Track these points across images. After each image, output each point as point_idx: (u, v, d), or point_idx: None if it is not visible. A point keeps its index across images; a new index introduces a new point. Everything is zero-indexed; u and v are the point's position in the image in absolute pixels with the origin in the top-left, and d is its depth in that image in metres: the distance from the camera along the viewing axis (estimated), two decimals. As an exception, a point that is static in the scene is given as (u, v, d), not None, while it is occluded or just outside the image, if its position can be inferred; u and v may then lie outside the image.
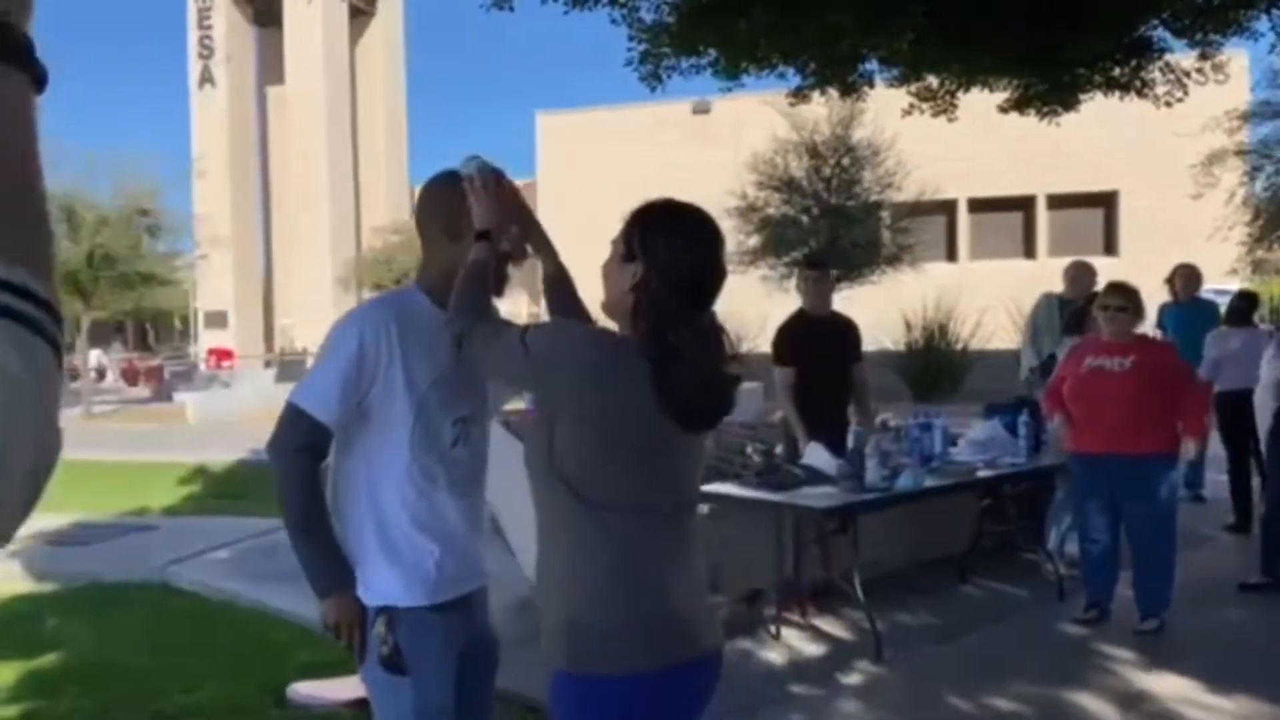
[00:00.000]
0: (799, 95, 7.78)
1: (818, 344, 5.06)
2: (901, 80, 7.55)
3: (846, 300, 16.08)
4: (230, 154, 35.25)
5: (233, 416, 18.14)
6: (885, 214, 16.38)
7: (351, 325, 1.99)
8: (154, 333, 48.84)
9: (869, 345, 18.94)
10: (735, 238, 15.76)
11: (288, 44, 35.21)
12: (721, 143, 24.44)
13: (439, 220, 2.06)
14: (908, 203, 16.64)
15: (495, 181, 1.98)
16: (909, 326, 18.55)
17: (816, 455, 4.67)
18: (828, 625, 4.80)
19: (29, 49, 0.64)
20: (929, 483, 4.59)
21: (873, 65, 7.28)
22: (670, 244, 1.75)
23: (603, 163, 28.07)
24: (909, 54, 6.52)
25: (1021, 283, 16.37)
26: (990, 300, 16.21)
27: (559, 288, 2.10)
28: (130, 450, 13.18)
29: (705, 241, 1.79)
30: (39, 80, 0.65)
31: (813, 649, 4.54)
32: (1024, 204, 27.39)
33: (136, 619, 5.25)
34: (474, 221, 1.96)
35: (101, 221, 19.93)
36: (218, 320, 34.55)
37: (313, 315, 31.00)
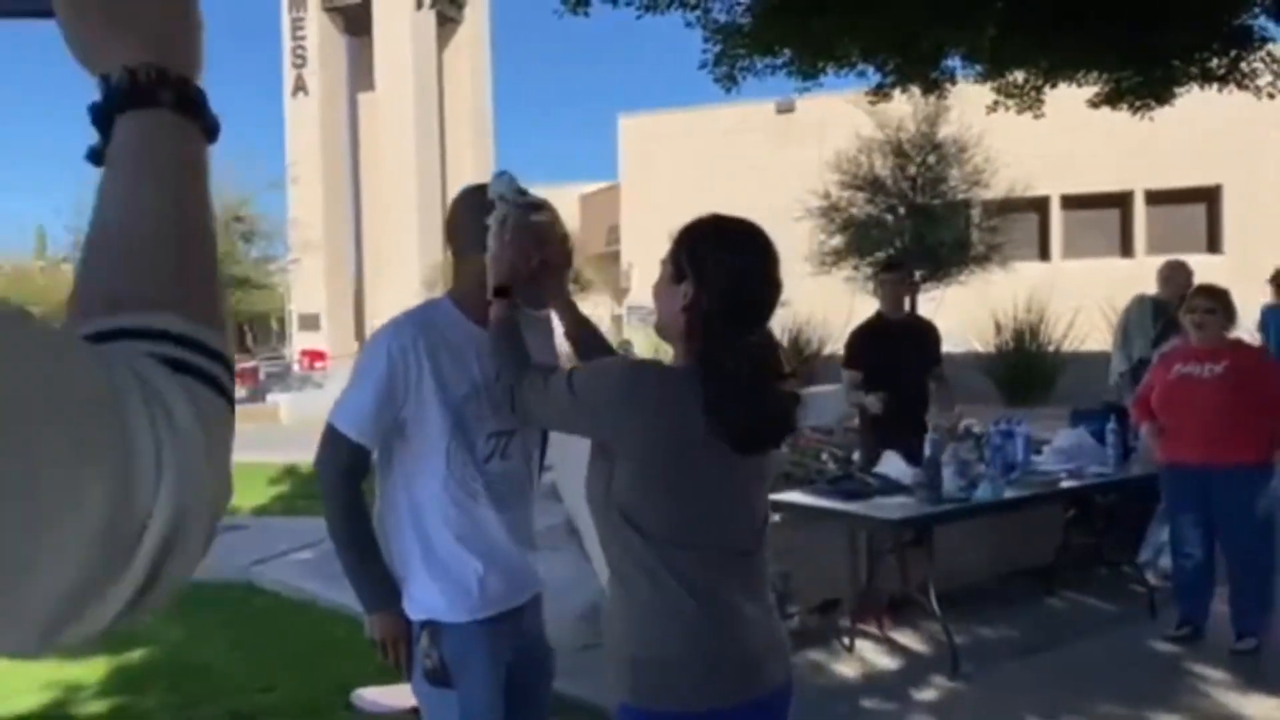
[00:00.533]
0: (880, 94, 7.63)
1: (894, 347, 4.95)
2: (985, 77, 7.35)
3: (933, 301, 15.80)
4: (323, 160, 36.19)
5: (323, 417, 18.52)
6: (974, 212, 16.00)
7: (379, 344, 2.00)
8: (252, 335, 50.43)
9: (956, 347, 18.56)
10: (817, 238, 15.58)
11: (377, 52, 36.02)
12: (806, 142, 24.17)
13: (470, 231, 2.04)
14: (997, 200, 16.23)
15: (517, 227, 1.93)
16: (999, 328, 18.09)
17: (892, 464, 4.56)
18: (904, 638, 4.69)
19: (204, 102, 0.67)
20: (1009, 494, 4.44)
21: (955, 62, 7.10)
22: (719, 261, 1.71)
23: (685, 164, 28.00)
24: (990, 49, 6.33)
25: (1118, 282, 15.83)
26: (1084, 300, 15.71)
27: (584, 341, 2.07)
28: (225, 450, 13.56)
29: (756, 257, 1.74)
30: (211, 131, 0.67)
31: (887, 662, 4.43)
32: (1121, 200, 26.48)
33: (220, 618, 5.40)
34: (490, 274, 1.92)
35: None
36: (310, 322, 35.51)
37: (401, 317, 31.56)
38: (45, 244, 30.52)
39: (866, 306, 7.30)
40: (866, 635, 4.70)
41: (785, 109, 27.73)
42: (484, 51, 39.29)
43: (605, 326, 26.82)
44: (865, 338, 5.13)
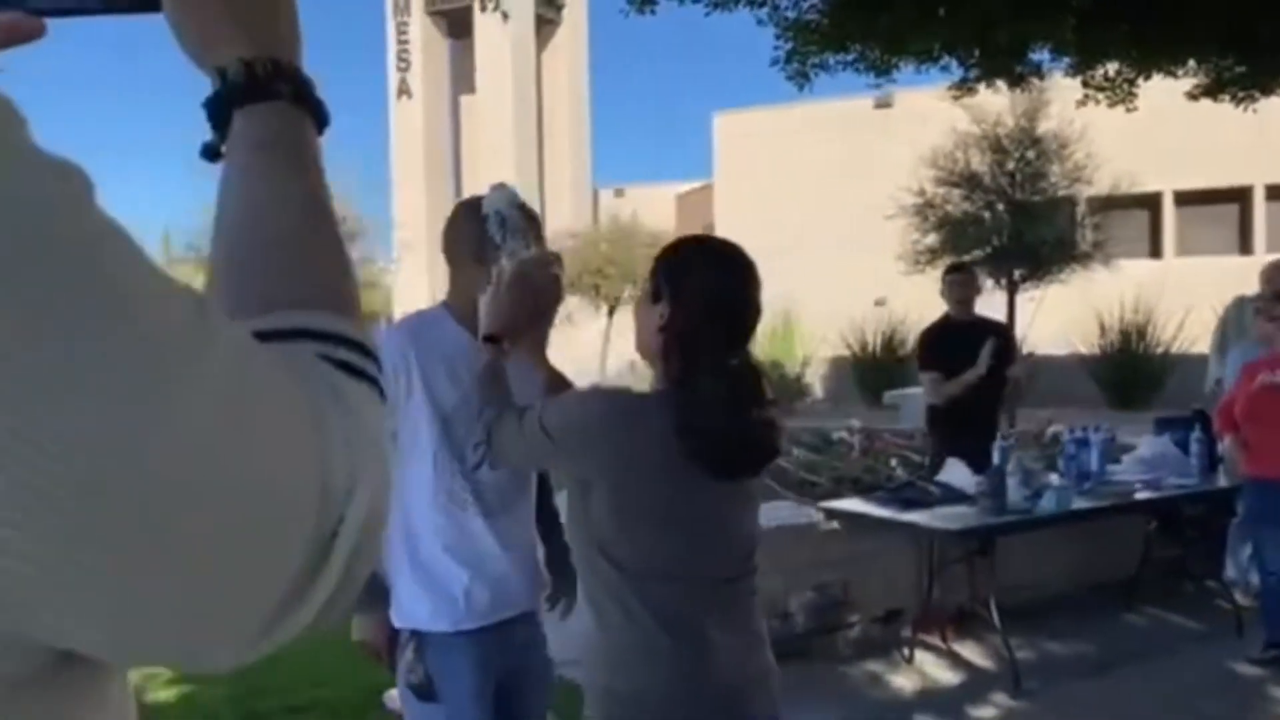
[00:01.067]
0: (963, 89, 7.39)
1: (961, 350, 4.80)
2: (1074, 69, 7.05)
3: (1033, 301, 15.29)
4: (425, 163, 37.00)
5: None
6: (1081, 207, 15.40)
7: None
8: (360, 332, 51.89)
9: (1058, 348, 17.93)
10: (910, 236, 15.20)
11: (478, 55, 36.61)
12: (904, 138, 23.70)
13: (468, 245, 2.04)
14: (1101, 196, 15.59)
15: (521, 278, 1.86)
16: (1103, 328, 17.40)
17: (955, 472, 4.42)
18: (968, 652, 4.54)
19: (316, 93, 0.65)
20: (1080, 504, 4.26)
21: (1041, 55, 6.83)
22: (696, 282, 1.67)
23: (781, 162, 27.73)
24: (1076, 41, 6.07)
25: (1236, 281, 15.03)
26: (1197, 300, 14.99)
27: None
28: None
29: (735, 277, 1.69)
30: (323, 123, 0.65)
31: (947, 676, 4.30)
32: (1239, 195, 25.21)
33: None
34: (483, 319, 1.87)
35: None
36: (413, 321, 36.29)
37: (498, 316, 32.09)
38: (170, 244, 31.84)
39: None
40: (928, 647, 4.57)
41: (883, 104, 27.20)
42: (581, 52, 39.60)
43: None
44: (933, 341, 4.99)
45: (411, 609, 2.01)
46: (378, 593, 2.02)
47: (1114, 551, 5.29)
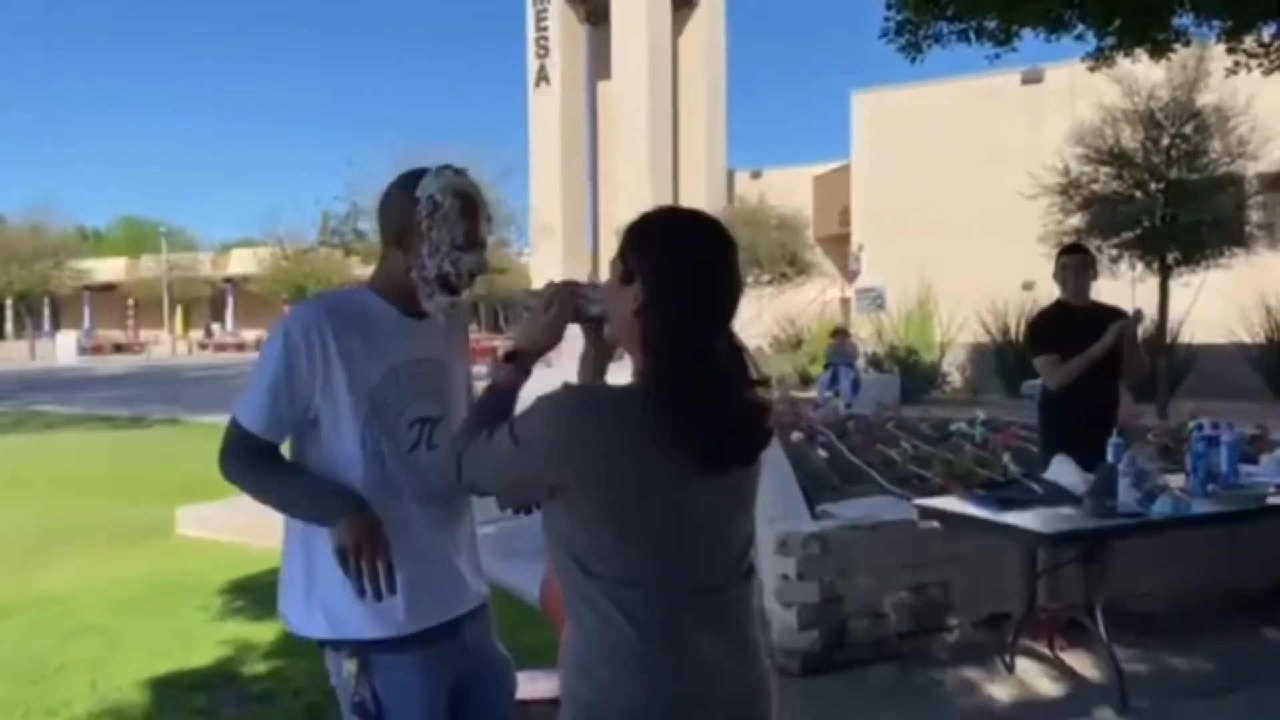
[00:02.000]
0: (1099, 60, 6.90)
1: (1077, 337, 4.47)
2: (1227, 35, 6.48)
3: (1189, 287, 14.30)
4: (562, 148, 37.42)
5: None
6: (1253, 182, 14.27)
7: (277, 330, 1.86)
8: (504, 316, 53.19)
9: (1217, 336, 16.80)
10: (1054, 217, 14.43)
11: (614, 40, 36.73)
12: (1055, 115, 22.53)
13: (391, 227, 1.91)
14: (1270, 174, 14.43)
15: (563, 298, 1.70)
16: (1270, 315, 16.15)
17: (1062, 470, 4.11)
18: (1078, 662, 4.24)
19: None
20: (1201, 508, 3.89)
21: (1187, 19, 6.31)
22: (671, 257, 1.52)
23: (923, 142, 26.80)
24: (1227, 4, 5.57)
25: None
26: (1381, 286, 13.74)
27: None
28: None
29: (713, 248, 1.55)
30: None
31: (1048, 687, 4.02)
32: None
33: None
34: (521, 336, 1.73)
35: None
36: (549, 305, 36.87)
37: (633, 300, 32.21)
38: (328, 226, 33.22)
39: (1110, 290, 6.61)
40: (1034, 655, 4.30)
41: (1032, 79, 25.96)
42: (719, 34, 39.19)
43: (834, 311, 26.02)
44: (1045, 327, 4.67)
45: (347, 619, 1.82)
46: (345, 493, 1.83)
47: (1251, 561, 4.86)
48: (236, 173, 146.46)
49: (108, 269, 57.13)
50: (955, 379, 18.95)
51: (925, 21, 5.86)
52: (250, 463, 1.86)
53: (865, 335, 20.46)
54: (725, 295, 1.53)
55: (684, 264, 1.52)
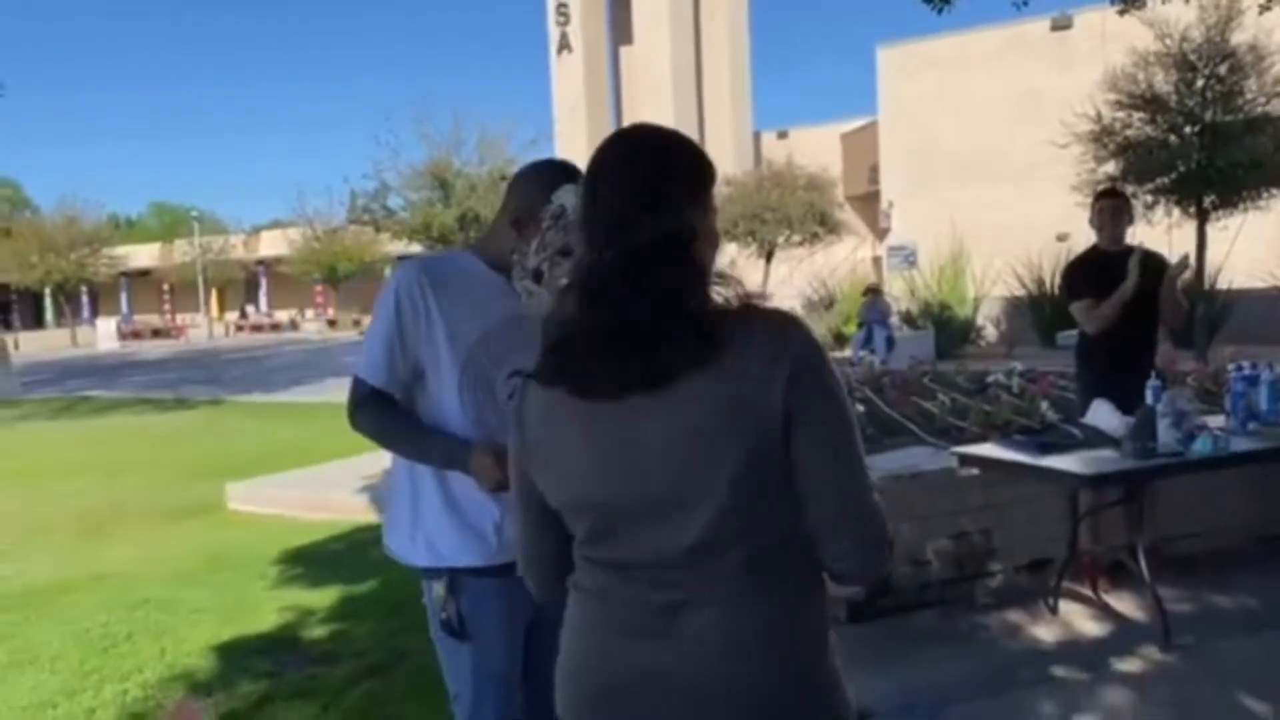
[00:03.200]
0: (1130, 1, 6.81)
1: (1113, 283, 4.48)
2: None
3: (1226, 231, 14.09)
4: (587, 115, 37.28)
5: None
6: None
7: (387, 289, 2.03)
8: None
9: (1257, 280, 16.50)
10: (1087, 165, 14.24)
11: (635, 4, 36.46)
12: (1086, 61, 22.13)
13: (513, 206, 2.03)
14: (1310, 112, 14.14)
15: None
16: (1310, 258, 15.89)
17: (1101, 414, 4.14)
18: (1122, 604, 4.29)
19: None
20: (1241, 446, 3.91)
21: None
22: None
23: (951, 94, 26.43)
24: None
25: None
26: None
27: None
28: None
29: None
30: None
31: (1092, 628, 4.08)
32: None
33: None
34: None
35: (470, 187, 22.11)
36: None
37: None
38: (356, 205, 33.41)
39: (1146, 236, 6.51)
40: (1077, 598, 4.35)
41: (1061, 25, 25.51)
42: (741, -5, 38.83)
43: (866, 269, 25.73)
44: (1080, 273, 4.68)
45: (442, 545, 2.02)
46: (461, 441, 1.98)
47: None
48: (263, 155, 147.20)
49: (142, 255, 57.85)
50: (990, 333, 18.84)
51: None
52: (378, 415, 2.04)
53: (898, 292, 20.36)
54: (594, 215, 1.36)
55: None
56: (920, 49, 27.15)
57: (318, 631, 4.62)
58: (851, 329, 18.23)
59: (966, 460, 4.21)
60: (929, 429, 5.75)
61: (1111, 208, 4.63)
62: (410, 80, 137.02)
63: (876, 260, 29.10)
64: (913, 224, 26.06)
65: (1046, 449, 3.94)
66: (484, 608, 2.00)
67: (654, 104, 35.80)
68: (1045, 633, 4.05)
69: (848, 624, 4.13)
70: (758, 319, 1.29)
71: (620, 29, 38.44)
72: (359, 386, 2.05)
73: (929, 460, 4.74)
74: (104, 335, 43.68)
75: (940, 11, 6.21)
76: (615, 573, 1.34)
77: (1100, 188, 12.67)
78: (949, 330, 17.72)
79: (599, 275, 1.30)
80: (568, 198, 1.93)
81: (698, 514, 1.25)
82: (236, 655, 4.36)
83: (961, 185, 25.22)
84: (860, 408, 6.38)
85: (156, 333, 49.30)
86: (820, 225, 18.19)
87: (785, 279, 27.01)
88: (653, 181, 1.34)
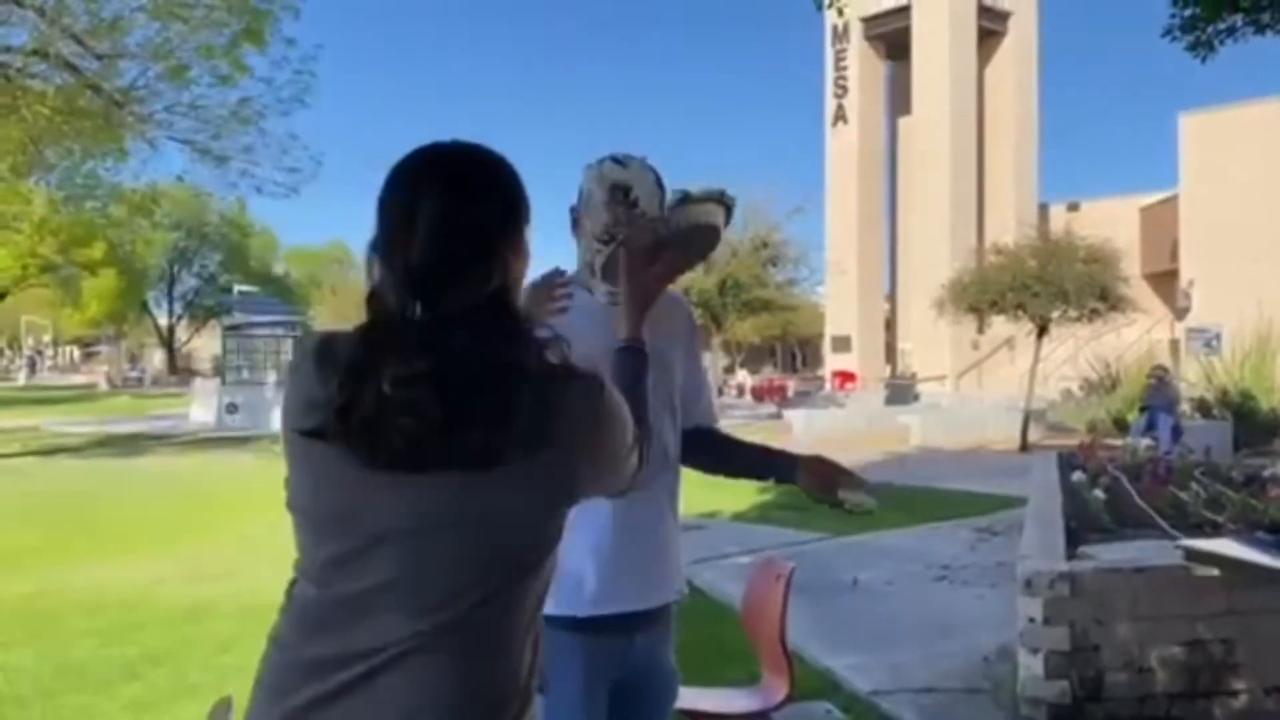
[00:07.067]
0: None
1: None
2: None
3: None
4: (859, 185, 36.86)
5: (835, 434, 18.98)
6: None
7: None
8: (802, 356, 53.07)
9: None
10: None
11: (915, 75, 35.82)
12: None
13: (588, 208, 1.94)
14: None
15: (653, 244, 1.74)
16: None
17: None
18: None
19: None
20: None
21: None
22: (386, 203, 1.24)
23: (1261, 165, 23.97)
24: None
25: None
26: None
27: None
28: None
29: (429, 196, 1.20)
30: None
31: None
32: None
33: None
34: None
35: (731, 253, 22.44)
36: (842, 344, 36.25)
37: (926, 339, 31.06)
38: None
39: None
40: (1340, 733, 3.67)
41: (1405, 87, 22.55)
42: (1031, 63, 37.07)
43: (1161, 352, 23.71)
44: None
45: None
46: None
47: None
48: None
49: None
50: (1301, 426, 16.66)
51: (1213, 18, 5.23)
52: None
53: (1193, 378, 18.51)
54: (426, 256, 1.17)
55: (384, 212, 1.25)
56: (1227, 116, 24.93)
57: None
58: (1134, 416, 16.68)
59: (1193, 556, 3.68)
60: (1176, 521, 5.11)
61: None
62: (679, 141, 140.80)
63: (1174, 344, 26.66)
64: (1214, 304, 23.76)
65: (1293, 549, 3.37)
66: (561, 661, 1.83)
67: (931, 174, 34.94)
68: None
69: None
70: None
71: (899, 99, 37.94)
72: None
73: (1160, 555, 4.20)
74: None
75: (1203, 60, 5.61)
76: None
77: None
78: (1251, 422, 15.88)
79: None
80: (586, 178, 1.88)
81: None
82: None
83: (1271, 263, 22.69)
84: (1099, 494, 5.78)
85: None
86: (1100, 300, 16.82)
87: (1069, 358, 25.22)
88: (479, 225, 1.21)
